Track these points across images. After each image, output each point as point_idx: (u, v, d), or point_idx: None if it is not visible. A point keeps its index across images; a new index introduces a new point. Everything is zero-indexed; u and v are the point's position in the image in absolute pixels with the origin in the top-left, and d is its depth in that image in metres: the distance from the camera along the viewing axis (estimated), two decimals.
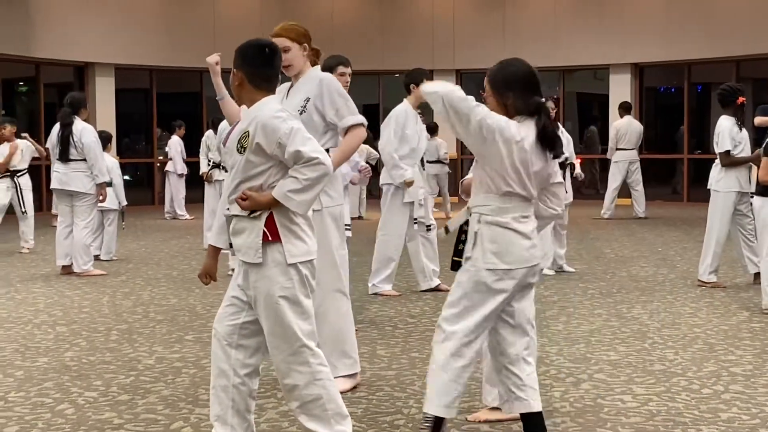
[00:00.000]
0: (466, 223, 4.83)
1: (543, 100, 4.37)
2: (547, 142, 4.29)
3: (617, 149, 17.15)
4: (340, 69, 7.30)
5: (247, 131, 4.09)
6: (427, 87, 4.30)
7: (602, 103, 22.33)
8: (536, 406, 4.36)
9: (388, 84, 23.86)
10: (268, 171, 4.08)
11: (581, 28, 21.68)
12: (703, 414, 5.02)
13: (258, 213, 4.06)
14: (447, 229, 4.60)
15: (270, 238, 4.06)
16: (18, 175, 12.81)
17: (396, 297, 8.86)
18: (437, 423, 4.30)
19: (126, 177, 14.92)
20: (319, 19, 23.17)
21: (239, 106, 4.47)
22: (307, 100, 5.50)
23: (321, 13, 23.18)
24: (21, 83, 21.28)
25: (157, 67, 21.14)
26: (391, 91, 24.12)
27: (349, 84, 6.96)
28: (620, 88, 21.52)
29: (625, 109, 17.49)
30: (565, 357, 6.33)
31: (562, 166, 10.26)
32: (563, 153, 4.35)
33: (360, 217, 17.98)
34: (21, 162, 12.87)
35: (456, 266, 4.42)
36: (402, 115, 8.94)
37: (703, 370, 5.93)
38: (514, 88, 4.33)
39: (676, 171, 22.02)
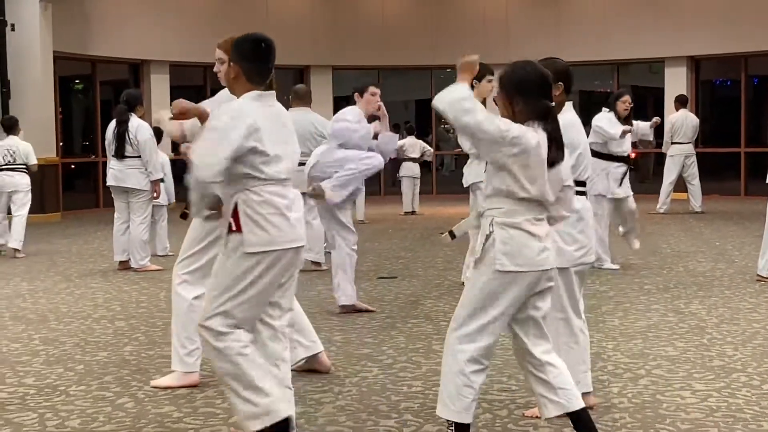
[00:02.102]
0: None
1: (553, 104, 4.29)
2: (551, 146, 4.20)
3: (673, 143, 16.98)
4: (372, 89, 7.71)
5: None
6: (435, 102, 4.27)
7: (658, 96, 22.12)
8: (573, 405, 4.24)
9: (440, 79, 23.84)
10: None
11: (635, 22, 21.48)
12: (764, 410, 4.96)
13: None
14: (453, 234, 4.56)
15: (234, 229, 4.19)
16: None
17: (450, 292, 8.84)
18: (459, 427, 4.23)
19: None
20: (371, 15, 23.21)
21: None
22: None
23: (372, 10, 23.20)
24: (77, 81, 21.53)
25: (211, 64, 21.22)
26: (443, 85, 24.08)
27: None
28: (676, 82, 21.29)
29: (681, 102, 17.31)
30: (622, 353, 6.28)
31: (625, 160, 10.21)
32: (560, 160, 4.24)
33: (413, 212, 17.98)
34: None
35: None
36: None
37: (763, 366, 5.86)
38: (523, 92, 4.23)
39: (732, 165, 21.74)
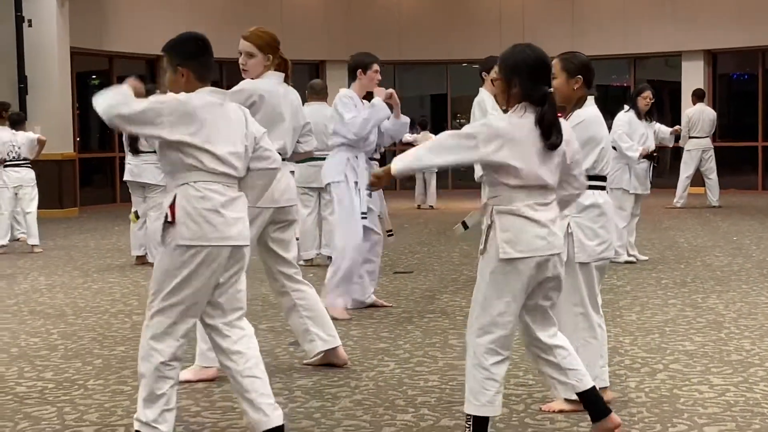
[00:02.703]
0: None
1: (550, 90, 4.24)
2: (543, 131, 4.15)
3: (690, 137, 16.93)
4: (375, 67, 7.57)
5: None
6: (396, 166, 4.23)
7: (674, 90, 22.05)
8: (582, 384, 4.27)
9: (455, 73, 23.82)
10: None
11: (652, 15, 21.41)
12: None
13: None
14: (465, 225, 4.55)
15: (170, 220, 4.20)
16: None
17: (467, 286, 8.83)
18: (477, 422, 4.21)
19: None
20: (386, 9, 23.20)
21: None
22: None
23: (388, 4, 23.19)
24: (94, 76, 21.59)
25: (226, 59, 21.28)
26: (458, 80, 24.09)
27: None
28: (693, 75, 21.23)
29: (698, 96, 17.26)
30: (640, 347, 6.27)
31: (650, 157, 10.17)
32: (558, 143, 4.20)
33: (431, 207, 18.02)
34: None
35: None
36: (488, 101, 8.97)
37: None
38: (521, 74, 4.18)
39: (750, 159, 21.64)
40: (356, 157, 7.55)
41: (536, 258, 4.15)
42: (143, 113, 4.18)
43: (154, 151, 10.52)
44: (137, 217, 4.11)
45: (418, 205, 18.25)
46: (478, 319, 4.22)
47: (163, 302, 4.21)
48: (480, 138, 4.10)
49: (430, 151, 4.20)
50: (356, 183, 7.47)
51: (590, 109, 4.88)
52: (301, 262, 9.32)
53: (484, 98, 8.92)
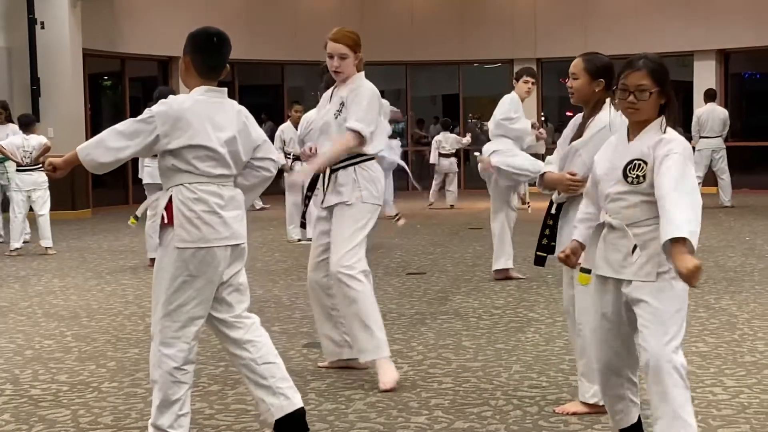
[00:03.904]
0: (550, 217, 4.79)
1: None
2: None
3: (701, 137, 16.90)
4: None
5: None
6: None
7: (687, 90, 22.00)
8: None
9: (467, 74, 23.82)
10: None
11: (664, 15, 21.37)
12: None
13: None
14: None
15: (166, 222, 4.22)
16: None
17: (480, 288, 8.84)
18: None
19: None
20: (399, 10, 23.20)
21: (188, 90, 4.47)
22: (342, 104, 5.70)
23: (401, 5, 23.20)
24: (106, 78, 21.65)
25: (239, 60, 21.34)
26: (470, 80, 24.09)
27: None
28: (705, 75, 21.18)
29: (709, 96, 17.23)
30: None
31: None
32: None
33: (451, 206, 18.08)
34: None
35: (540, 261, 4.32)
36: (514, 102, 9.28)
37: None
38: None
39: (762, 159, 21.59)
40: None
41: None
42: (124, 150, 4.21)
43: None
44: (137, 219, 4.11)
45: (430, 203, 18.21)
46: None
47: (168, 306, 4.22)
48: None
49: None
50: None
51: (603, 114, 4.86)
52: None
53: (509, 99, 9.23)
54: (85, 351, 6.51)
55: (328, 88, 6.01)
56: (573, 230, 4.17)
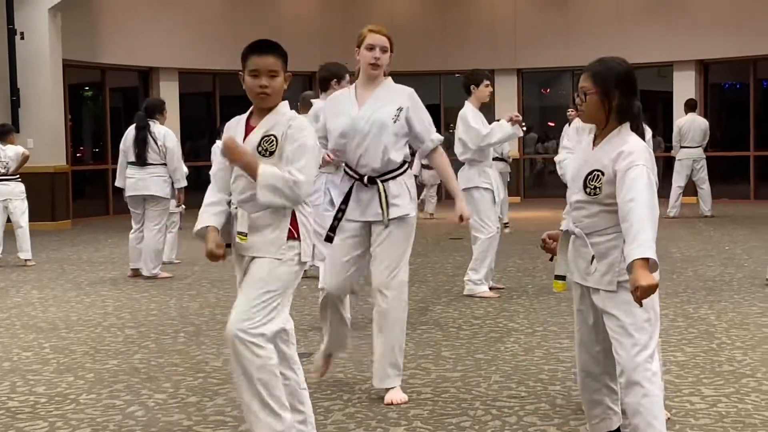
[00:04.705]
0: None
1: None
2: None
3: (681, 147, 16.98)
4: (348, 77, 7.58)
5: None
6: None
7: (667, 100, 22.11)
8: None
9: (449, 84, 23.86)
10: None
11: (645, 26, 21.48)
12: None
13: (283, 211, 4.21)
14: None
15: (295, 236, 4.21)
16: None
17: (460, 298, 8.84)
18: None
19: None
20: (380, 19, 23.13)
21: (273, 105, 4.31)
22: (400, 109, 5.49)
23: (381, 14, 23.21)
24: (87, 88, 21.60)
25: (220, 71, 21.33)
26: (451, 90, 24.11)
27: None
28: (684, 86, 21.30)
29: (690, 106, 17.32)
30: None
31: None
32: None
33: (431, 215, 18.08)
34: None
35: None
36: (477, 114, 9.03)
37: None
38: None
39: (742, 169, 21.70)
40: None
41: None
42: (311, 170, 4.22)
43: (163, 163, 10.58)
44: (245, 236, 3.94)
45: (431, 214, 18.22)
46: None
47: (273, 312, 4.14)
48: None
49: None
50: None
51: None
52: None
53: (467, 112, 9.02)
54: (63, 363, 6.48)
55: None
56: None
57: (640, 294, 3.64)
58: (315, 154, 4.27)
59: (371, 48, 5.53)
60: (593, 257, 3.92)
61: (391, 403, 5.28)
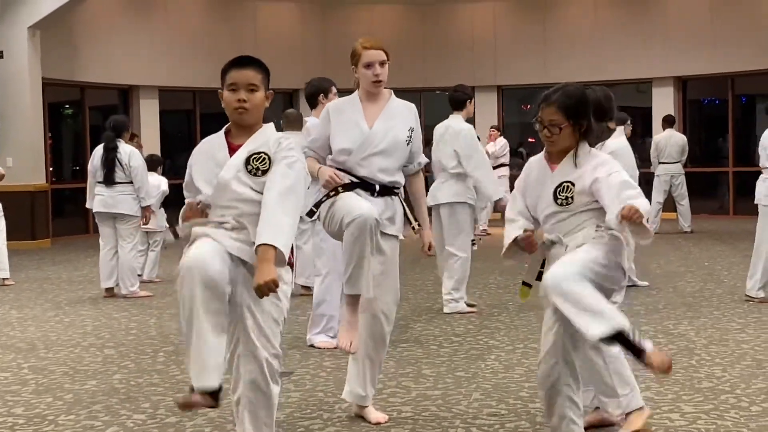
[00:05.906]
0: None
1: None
2: None
3: (660, 163, 17.05)
4: (334, 90, 7.65)
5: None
6: None
7: (645, 116, 22.21)
8: None
9: (429, 101, 23.91)
10: None
11: (623, 43, 21.60)
12: None
13: None
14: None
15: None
16: None
17: (440, 315, 8.84)
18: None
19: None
20: (359, 36, 23.16)
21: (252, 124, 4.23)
22: (411, 130, 5.40)
23: (361, 30, 23.23)
24: (66, 106, 21.54)
25: (200, 88, 21.31)
26: (432, 107, 24.16)
27: None
28: (663, 102, 21.41)
29: (667, 122, 17.39)
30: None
31: None
32: None
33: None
34: None
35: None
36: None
37: (752, 387, 5.88)
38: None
39: (721, 184, 21.80)
40: None
41: None
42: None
43: (130, 182, 10.57)
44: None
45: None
46: None
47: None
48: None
49: None
50: None
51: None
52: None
53: (471, 132, 9.22)
54: (42, 383, 6.44)
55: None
56: (513, 226, 4.52)
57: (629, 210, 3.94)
58: (304, 175, 4.13)
59: (369, 66, 5.46)
60: (566, 246, 4.27)
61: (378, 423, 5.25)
